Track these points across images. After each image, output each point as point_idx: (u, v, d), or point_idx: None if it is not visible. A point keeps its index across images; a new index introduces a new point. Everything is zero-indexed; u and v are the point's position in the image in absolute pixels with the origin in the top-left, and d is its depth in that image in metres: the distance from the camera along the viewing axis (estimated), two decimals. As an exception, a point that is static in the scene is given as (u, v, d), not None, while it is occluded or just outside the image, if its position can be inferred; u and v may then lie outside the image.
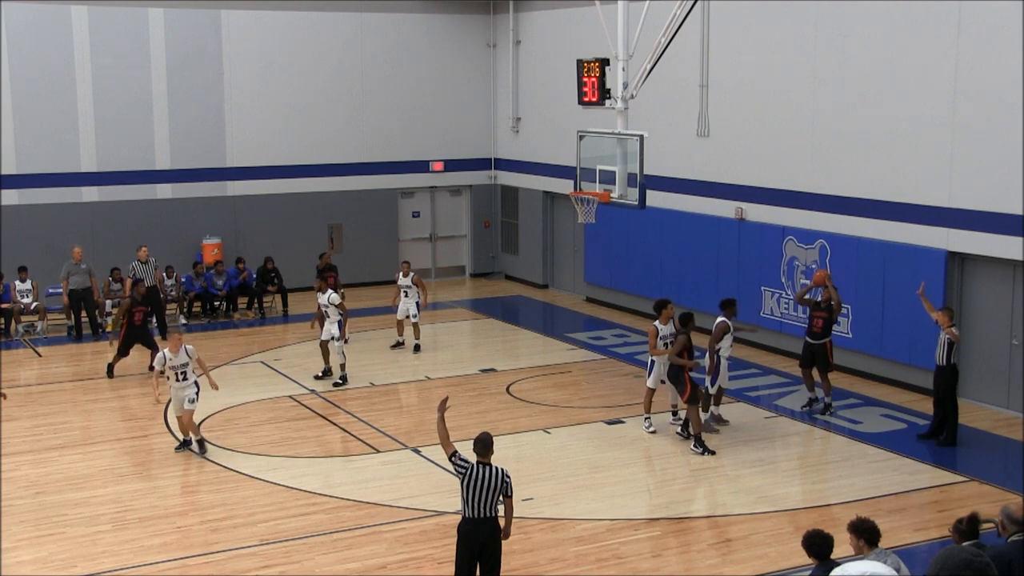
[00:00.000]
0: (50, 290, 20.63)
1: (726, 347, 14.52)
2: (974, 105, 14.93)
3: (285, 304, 21.96)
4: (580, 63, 14.62)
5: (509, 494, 8.88)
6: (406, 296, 18.72)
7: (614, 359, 18.23)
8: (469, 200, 25.83)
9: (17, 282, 20.15)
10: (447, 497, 11.87)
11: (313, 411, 15.52)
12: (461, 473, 8.78)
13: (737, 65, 18.56)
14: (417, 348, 18.60)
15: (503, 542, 9.00)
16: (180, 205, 22.63)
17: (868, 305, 16.56)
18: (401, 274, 18.99)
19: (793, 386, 16.49)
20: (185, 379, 13.63)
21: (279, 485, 12.57)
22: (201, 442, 13.73)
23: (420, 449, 13.72)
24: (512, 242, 25.56)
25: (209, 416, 15.22)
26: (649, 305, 21.10)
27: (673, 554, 10.77)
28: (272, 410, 15.58)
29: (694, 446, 13.64)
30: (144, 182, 22.44)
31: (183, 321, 21.11)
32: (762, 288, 18.42)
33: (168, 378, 13.66)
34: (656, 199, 17.81)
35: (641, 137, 13.86)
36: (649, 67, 14.32)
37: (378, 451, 13.80)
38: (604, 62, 14.39)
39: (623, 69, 14.27)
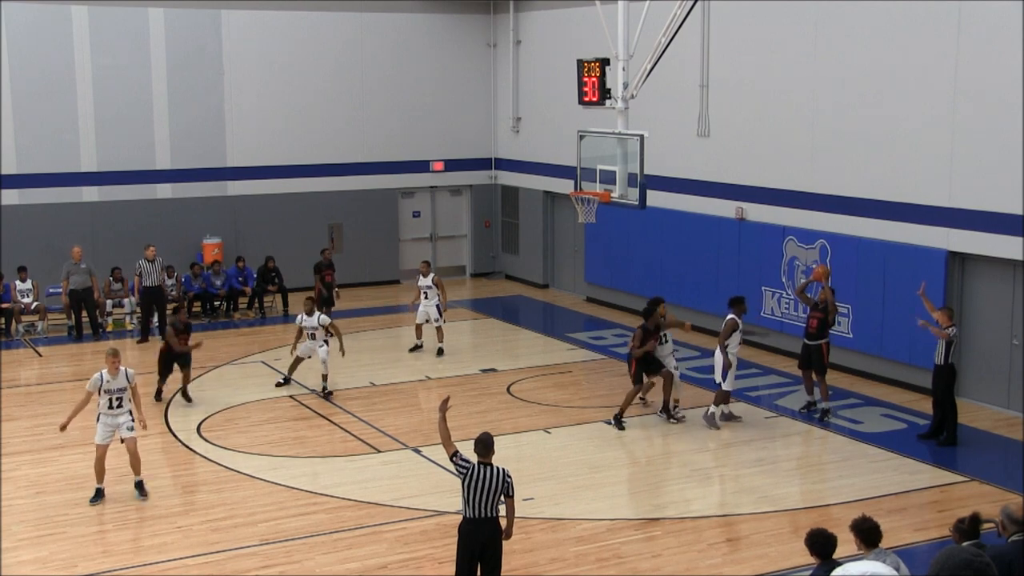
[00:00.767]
0: (50, 290, 20.64)
1: (734, 345, 14.54)
2: (974, 105, 14.93)
3: (285, 304, 21.95)
4: (580, 63, 14.62)
5: (510, 494, 8.88)
6: (426, 298, 18.32)
7: (614, 359, 18.22)
8: (469, 200, 25.83)
9: (17, 282, 20.16)
10: (447, 497, 11.87)
11: (313, 411, 15.52)
12: (462, 473, 8.78)
13: (737, 65, 18.56)
14: (440, 352, 18.26)
15: (504, 542, 9.00)
16: (180, 205, 22.63)
17: (868, 305, 16.56)
18: (421, 275, 18.55)
19: (793, 386, 16.49)
20: (120, 406, 12.08)
21: (279, 485, 12.57)
22: (141, 484, 12.22)
23: (420, 449, 13.72)
24: (512, 242, 25.56)
25: (209, 416, 15.23)
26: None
27: (673, 554, 10.77)
28: (272, 410, 15.58)
29: (614, 419, 14.56)
30: (144, 182, 22.45)
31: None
32: (762, 288, 18.42)
33: (100, 404, 12.05)
34: (656, 199, 17.83)
35: (641, 137, 13.86)
36: (649, 67, 14.32)
37: (378, 451, 13.80)
38: (604, 62, 14.39)
39: (623, 69, 14.27)
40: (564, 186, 20.43)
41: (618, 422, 14.57)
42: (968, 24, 14.91)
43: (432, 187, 25.38)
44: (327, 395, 15.95)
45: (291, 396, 16.21)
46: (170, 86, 22.37)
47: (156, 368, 15.93)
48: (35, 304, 20.16)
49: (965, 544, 7.24)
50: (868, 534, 7.43)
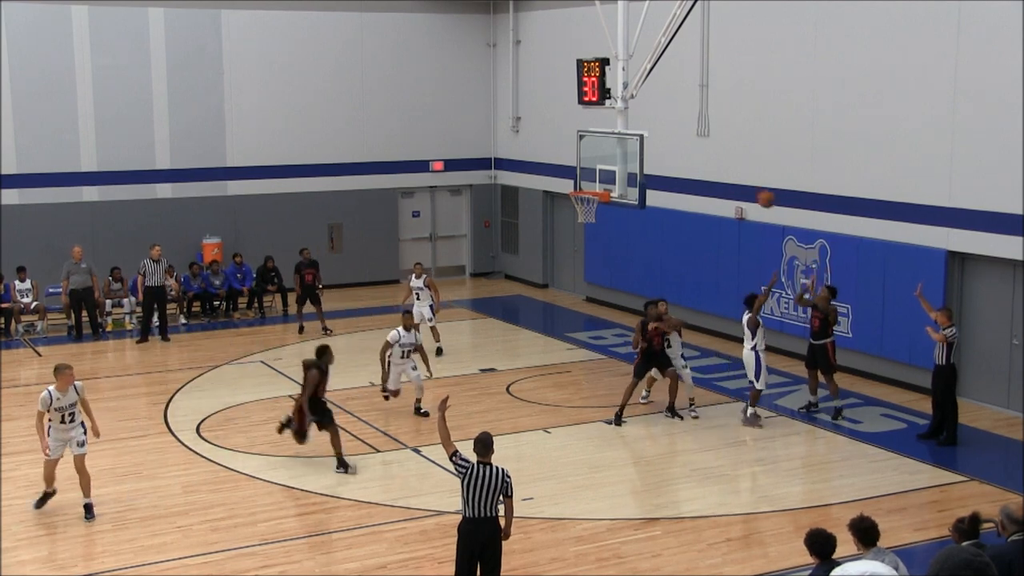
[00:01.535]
0: (50, 289, 20.63)
1: (762, 342, 14.59)
2: (974, 105, 14.93)
3: (285, 304, 21.95)
4: (580, 63, 14.61)
5: (509, 494, 8.89)
6: (418, 299, 18.32)
7: (614, 359, 18.23)
8: (469, 200, 25.83)
9: (16, 282, 20.16)
10: (447, 497, 11.87)
11: (313, 411, 15.51)
12: (462, 473, 8.78)
13: (737, 65, 18.56)
14: (440, 352, 18.22)
15: (504, 542, 9.00)
16: (180, 205, 22.63)
17: (868, 305, 16.56)
18: (413, 276, 18.58)
19: (793, 386, 16.49)
20: (72, 421, 11.61)
21: (279, 485, 12.58)
22: (90, 507, 11.69)
23: (420, 449, 13.72)
24: (512, 242, 25.56)
25: (209, 416, 15.23)
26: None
27: (673, 554, 10.77)
28: (272, 410, 15.56)
29: (615, 416, 14.67)
30: (144, 182, 22.45)
31: (183, 321, 21.11)
32: (762, 288, 18.36)
33: (50, 420, 11.51)
34: (656, 199, 17.82)
35: (641, 137, 13.86)
36: (649, 67, 14.32)
37: (378, 451, 13.80)
38: (604, 62, 14.39)
39: (623, 69, 14.27)
40: (564, 186, 20.44)
41: (618, 419, 14.59)
42: (968, 24, 14.91)
43: (432, 187, 25.37)
44: (423, 414, 15.10)
45: (291, 396, 16.20)
46: (170, 86, 22.37)
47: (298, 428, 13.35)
48: (35, 304, 20.16)
49: (965, 544, 7.25)
50: (866, 533, 7.43)
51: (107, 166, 22.09)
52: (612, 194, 14.26)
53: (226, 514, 11.76)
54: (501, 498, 8.84)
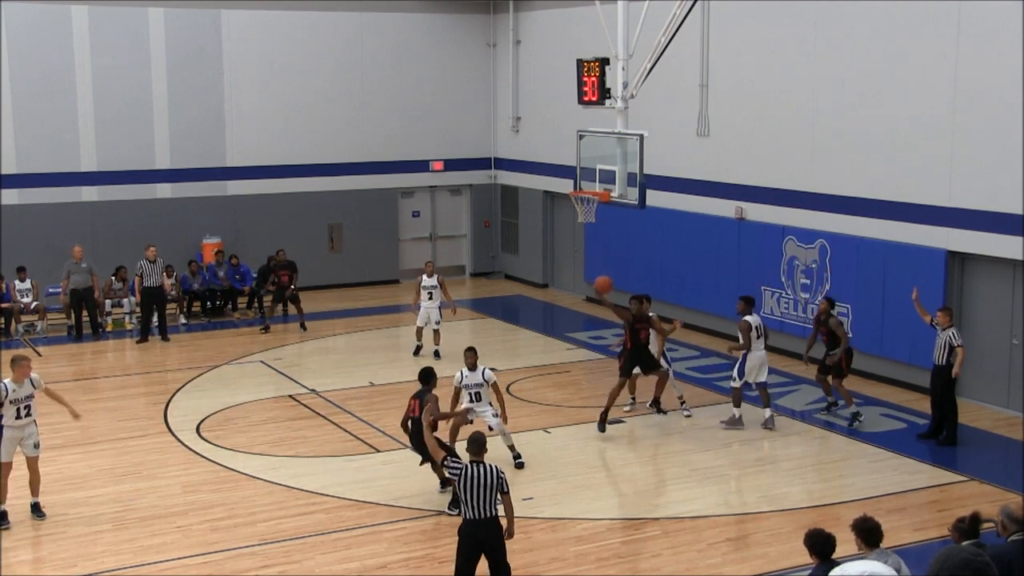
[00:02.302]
0: (50, 289, 20.63)
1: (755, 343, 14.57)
2: (974, 105, 14.93)
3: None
4: (580, 63, 14.61)
5: (506, 491, 8.90)
6: (430, 298, 18.14)
7: (614, 359, 18.19)
8: (469, 200, 25.83)
9: (16, 282, 20.16)
10: (447, 497, 11.86)
11: (313, 411, 15.51)
12: (455, 475, 8.79)
13: (737, 65, 18.56)
14: (437, 355, 18.05)
15: (508, 540, 9.00)
16: (180, 205, 22.63)
17: (868, 305, 16.55)
18: (425, 275, 18.33)
19: (793, 386, 16.49)
20: (28, 416, 11.34)
21: (279, 485, 12.57)
22: (38, 506, 11.60)
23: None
24: (512, 242, 25.56)
25: (209, 416, 15.23)
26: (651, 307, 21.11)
27: (673, 554, 10.76)
28: (272, 410, 15.57)
29: (599, 418, 14.35)
30: (144, 182, 22.44)
31: (183, 321, 21.11)
32: (762, 288, 18.42)
33: (5, 415, 11.24)
34: (656, 199, 17.82)
35: (641, 137, 13.85)
36: (649, 67, 14.31)
37: (378, 451, 13.80)
38: (604, 62, 14.38)
39: (623, 69, 14.26)
40: (564, 186, 20.43)
41: (602, 424, 14.25)
42: (968, 24, 14.91)
43: (432, 187, 25.37)
44: (519, 465, 13.15)
45: (291, 396, 16.21)
46: (170, 86, 22.37)
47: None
48: (34, 304, 20.16)
49: (965, 544, 7.24)
50: (869, 534, 7.42)
51: (107, 166, 22.09)
52: (612, 194, 14.24)
53: (226, 514, 11.76)
54: (499, 496, 8.84)
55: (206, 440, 14.24)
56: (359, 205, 24.29)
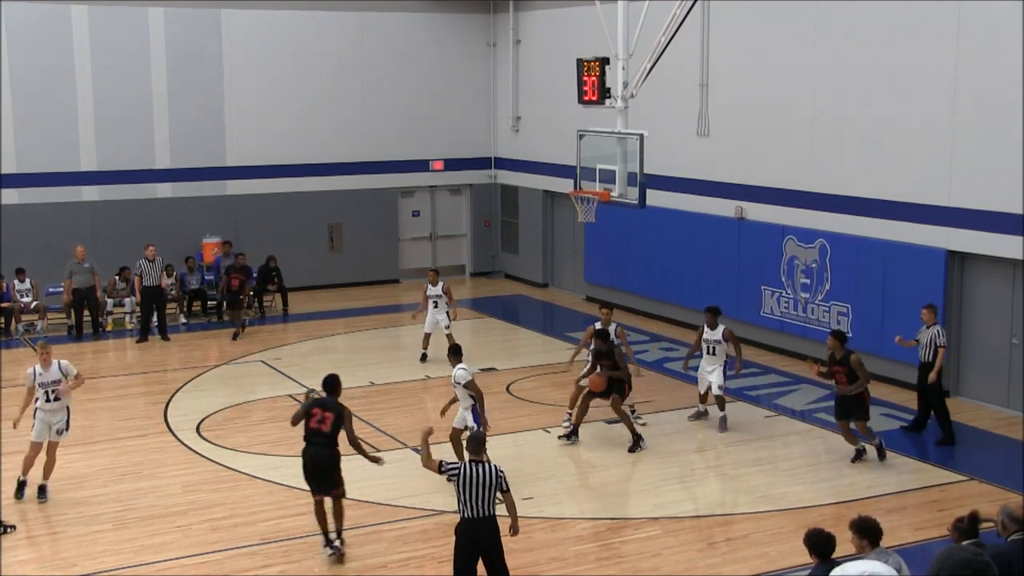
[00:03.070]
0: (50, 289, 20.63)
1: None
2: (974, 104, 14.93)
3: (285, 303, 21.97)
4: (580, 62, 14.61)
5: (506, 489, 8.90)
6: (435, 307, 17.81)
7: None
8: (469, 199, 25.82)
9: (16, 282, 20.16)
10: (447, 496, 11.83)
11: (313, 410, 15.50)
12: (454, 476, 8.79)
13: (737, 64, 18.56)
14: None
15: (512, 538, 9.00)
16: (180, 204, 22.63)
17: (868, 304, 16.55)
18: (430, 284, 17.79)
19: (793, 386, 16.49)
20: (58, 400, 11.97)
21: (279, 484, 12.56)
22: (45, 488, 12.08)
23: (419, 448, 13.68)
24: (512, 241, 25.55)
25: (209, 415, 15.23)
26: (650, 305, 21.13)
27: (673, 553, 10.77)
28: (272, 409, 15.57)
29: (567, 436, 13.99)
30: (144, 181, 22.44)
31: (183, 320, 21.11)
32: (762, 287, 18.42)
33: (37, 399, 11.99)
34: (656, 198, 17.81)
35: (641, 136, 13.85)
36: (649, 66, 14.31)
37: (378, 450, 13.77)
38: (604, 61, 14.38)
39: (623, 68, 14.26)
40: (564, 185, 20.43)
41: (571, 433, 14.02)
42: (968, 24, 14.90)
43: (432, 186, 25.37)
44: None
45: (290, 395, 16.21)
46: (170, 86, 22.37)
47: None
48: (34, 303, 20.16)
49: (964, 543, 7.24)
50: (869, 533, 7.42)
51: (107, 166, 22.09)
52: (612, 193, 14.24)
53: (226, 513, 11.76)
54: (498, 495, 8.84)
55: (206, 440, 14.24)
56: (359, 205, 24.29)
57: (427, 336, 18.00)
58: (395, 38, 24.24)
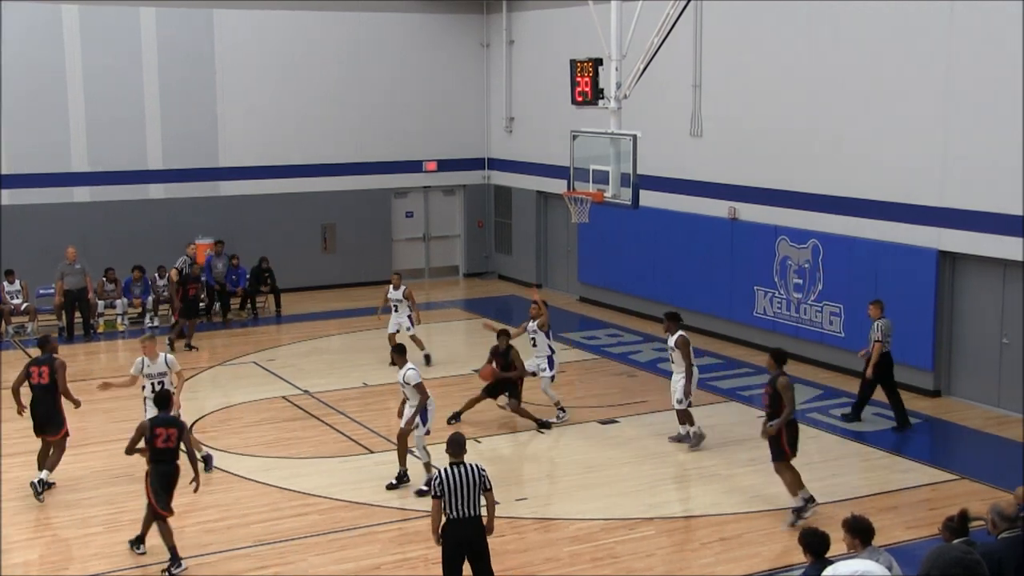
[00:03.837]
0: (41, 291, 20.61)
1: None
2: (966, 105, 15.00)
3: (278, 304, 21.98)
4: (573, 63, 14.64)
5: (488, 487, 8.94)
6: (396, 311, 17.65)
7: (608, 359, 18.27)
8: (462, 200, 25.85)
9: (5, 283, 20.13)
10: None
11: (307, 412, 15.53)
12: (440, 488, 8.81)
13: (730, 65, 18.62)
14: (428, 360, 17.81)
15: (489, 538, 9.04)
16: (172, 205, 22.62)
17: (860, 305, 16.59)
18: (392, 286, 17.67)
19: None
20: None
21: (273, 486, 12.60)
22: (210, 458, 13.13)
23: (413, 450, 13.73)
24: (505, 242, 25.58)
25: (202, 417, 15.24)
26: (643, 305, 21.18)
27: (667, 553, 10.82)
28: (266, 411, 15.59)
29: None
30: (136, 182, 22.43)
31: (172, 321, 21.07)
32: (755, 288, 18.48)
33: (145, 389, 12.57)
34: (649, 199, 17.84)
35: (634, 137, 13.89)
36: (642, 67, 14.36)
37: (372, 452, 13.82)
38: (597, 62, 14.41)
39: (616, 69, 14.30)
40: (557, 186, 20.46)
41: (542, 425, 14.55)
42: (960, 23, 14.98)
43: (425, 187, 25.39)
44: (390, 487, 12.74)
45: (284, 397, 16.23)
46: (162, 86, 22.36)
47: None
48: (24, 305, 20.14)
49: (955, 542, 7.30)
50: (861, 532, 7.48)
51: (98, 166, 22.07)
52: (605, 194, 14.27)
53: (220, 516, 11.78)
54: (482, 494, 8.89)
55: (200, 442, 14.23)
56: (352, 205, 24.30)
57: (391, 336, 17.37)
58: (388, 38, 24.26)
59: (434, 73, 24.81)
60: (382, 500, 12.17)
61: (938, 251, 15.52)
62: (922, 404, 15.48)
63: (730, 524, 11.54)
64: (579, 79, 14.55)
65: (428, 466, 12.31)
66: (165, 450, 10.50)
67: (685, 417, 13.92)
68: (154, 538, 11.20)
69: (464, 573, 9.05)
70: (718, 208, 19.14)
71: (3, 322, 20.02)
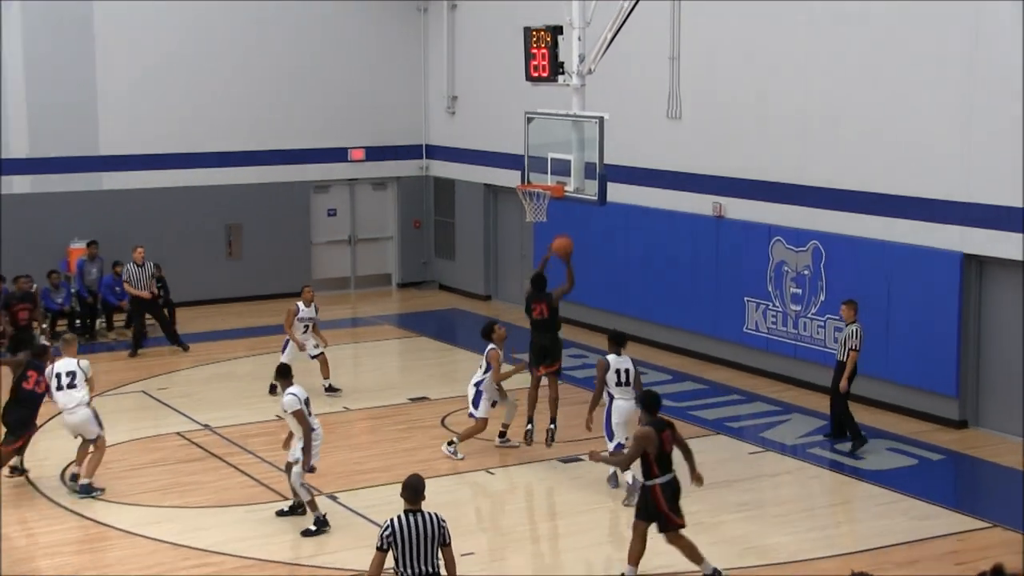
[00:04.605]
0: None
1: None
2: (994, 80, 15.12)
3: (173, 321, 21.64)
4: (528, 31, 14.64)
5: (447, 542, 8.84)
6: (305, 331, 17.41)
7: (570, 384, 18.18)
8: (396, 195, 25.81)
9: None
10: (370, 553, 11.68)
11: (207, 451, 15.36)
12: (390, 538, 8.67)
13: (714, 34, 18.69)
14: (331, 390, 17.55)
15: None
16: (40, 201, 22.33)
17: (869, 318, 16.64)
18: (302, 303, 17.39)
19: (784, 415, 16.59)
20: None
21: (164, 542, 12.40)
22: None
23: (337, 495, 13.56)
24: (448, 245, 25.53)
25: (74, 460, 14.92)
26: (613, 321, 21.15)
27: (643, 619, 10.73)
28: (157, 450, 15.40)
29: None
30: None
31: (44, 342, 20.66)
32: (745, 299, 18.53)
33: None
34: (619, 193, 17.84)
35: (600, 120, 13.90)
36: (610, 36, 14.37)
37: (286, 498, 13.62)
38: (556, 30, 14.42)
39: (579, 39, 14.31)
40: (509, 178, 20.41)
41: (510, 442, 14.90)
42: (984, -13, 15.11)
43: (351, 180, 25.31)
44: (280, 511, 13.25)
45: (179, 433, 15.98)
46: (27, 55, 22.02)
47: None
48: None
49: (990, 603, 7.26)
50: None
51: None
52: (566, 188, 14.31)
53: (99, 580, 11.55)
54: (439, 550, 8.77)
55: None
56: (263, 202, 24.15)
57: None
58: (304, 2, 24.10)
59: (361, 42, 24.74)
60: (298, 558, 12.01)
61: (963, 254, 15.63)
62: (945, 437, 15.56)
63: (719, 583, 11.48)
64: (534, 50, 14.57)
65: (312, 504, 12.64)
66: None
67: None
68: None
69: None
70: (701, 204, 19.20)
71: None
